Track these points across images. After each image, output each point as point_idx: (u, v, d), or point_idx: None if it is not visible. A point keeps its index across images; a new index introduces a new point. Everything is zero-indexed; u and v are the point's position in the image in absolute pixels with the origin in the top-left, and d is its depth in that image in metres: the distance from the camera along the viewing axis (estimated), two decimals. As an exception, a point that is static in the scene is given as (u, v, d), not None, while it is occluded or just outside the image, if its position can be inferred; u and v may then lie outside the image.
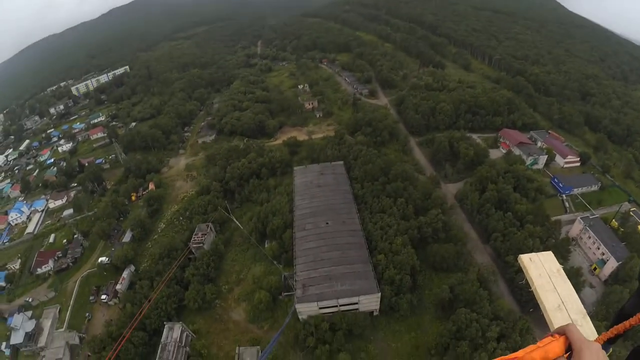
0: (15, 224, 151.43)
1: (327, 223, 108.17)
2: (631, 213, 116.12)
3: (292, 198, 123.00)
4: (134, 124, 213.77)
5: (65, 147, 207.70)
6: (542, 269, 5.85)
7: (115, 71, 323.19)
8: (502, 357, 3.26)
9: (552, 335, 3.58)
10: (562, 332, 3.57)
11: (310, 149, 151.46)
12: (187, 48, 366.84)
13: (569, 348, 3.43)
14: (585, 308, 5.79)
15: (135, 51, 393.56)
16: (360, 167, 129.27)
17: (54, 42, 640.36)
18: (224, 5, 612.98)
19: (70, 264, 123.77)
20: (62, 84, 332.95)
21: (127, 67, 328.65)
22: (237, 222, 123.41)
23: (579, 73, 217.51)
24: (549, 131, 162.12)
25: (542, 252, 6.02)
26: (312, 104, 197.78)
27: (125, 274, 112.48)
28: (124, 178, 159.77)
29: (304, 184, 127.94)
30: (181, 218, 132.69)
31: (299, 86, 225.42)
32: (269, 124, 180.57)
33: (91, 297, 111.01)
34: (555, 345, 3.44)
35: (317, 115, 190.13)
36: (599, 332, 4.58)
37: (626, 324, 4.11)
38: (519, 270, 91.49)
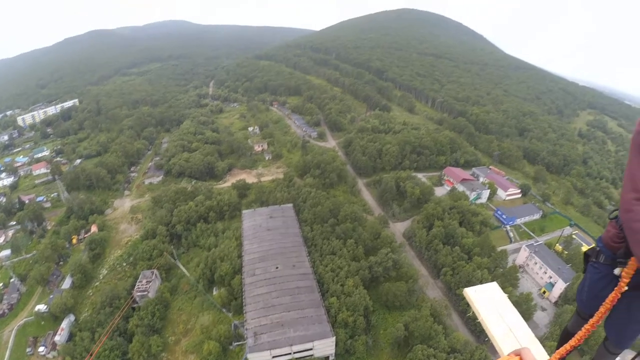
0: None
1: (277, 267, 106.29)
2: (573, 236, 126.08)
3: (241, 242, 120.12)
4: (79, 160, 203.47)
5: (6, 181, 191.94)
6: (487, 300, 5.97)
7: (64, 104, 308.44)
8: None
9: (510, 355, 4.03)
10: (518, 354, 4.01)
11: (259, 191, 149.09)
12: (139, 84, 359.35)
13: None
14: (539, 330, 6.09)
15: (86, 84, 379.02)
16: (309, 210, 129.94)
17: (4, 68, 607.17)
18: (179, 42, 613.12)
19: (6, 310, 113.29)
20: (8, 113, 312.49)
21: (77, 100, 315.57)
22: (184, 269, 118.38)
23: (516, 111, 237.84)
24: (490, 167, 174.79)
25: (487, 284, 6.23)
26: (261, 146, 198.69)
27: (64, 324, 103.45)
28: (65, 219, 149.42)
29: (253, 228, 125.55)
30: (124, 264, 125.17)
31: (249, 128, 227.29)
32: (218, 166, 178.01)
33: (28, 349, 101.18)
34: None
35: (267, 158, 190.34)
36: (550, 354, 4.87)
37: (567, 346, 4.37)
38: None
